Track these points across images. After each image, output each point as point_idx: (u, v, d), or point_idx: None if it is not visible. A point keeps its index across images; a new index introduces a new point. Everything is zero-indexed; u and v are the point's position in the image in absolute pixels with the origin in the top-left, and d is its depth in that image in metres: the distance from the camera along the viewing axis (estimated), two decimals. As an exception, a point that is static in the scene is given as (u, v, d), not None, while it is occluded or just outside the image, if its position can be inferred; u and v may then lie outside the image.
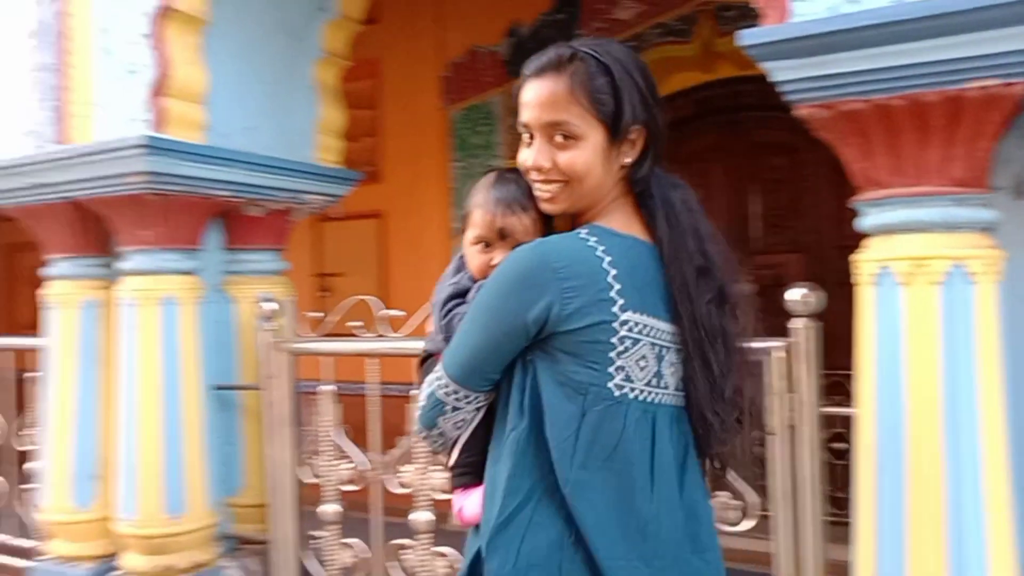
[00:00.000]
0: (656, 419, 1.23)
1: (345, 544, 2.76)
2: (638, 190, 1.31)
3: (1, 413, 3.59)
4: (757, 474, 2.08)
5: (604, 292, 1.20)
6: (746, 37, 1.72)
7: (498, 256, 1.36)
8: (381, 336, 2.67)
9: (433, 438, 1.36)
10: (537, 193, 1.33)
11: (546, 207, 1.33)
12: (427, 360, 1.46)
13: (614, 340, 1.20)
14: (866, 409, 1.72)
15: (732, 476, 2.05)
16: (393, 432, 2.67)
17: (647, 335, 1.22)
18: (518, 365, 1.27)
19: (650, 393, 1.23)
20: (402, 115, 5.70)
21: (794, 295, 1.94)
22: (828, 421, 2.14)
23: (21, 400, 3.52)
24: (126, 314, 2.79)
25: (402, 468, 2.63)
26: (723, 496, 2.08)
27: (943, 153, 1.63)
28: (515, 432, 1.25)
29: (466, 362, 1.28)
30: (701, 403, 1.26)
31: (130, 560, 2.81)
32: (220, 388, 2.99)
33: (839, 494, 2.29)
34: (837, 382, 2.74)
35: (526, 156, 1.31)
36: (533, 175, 1.31)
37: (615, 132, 1.26)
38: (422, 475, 2.56)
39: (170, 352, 2.78)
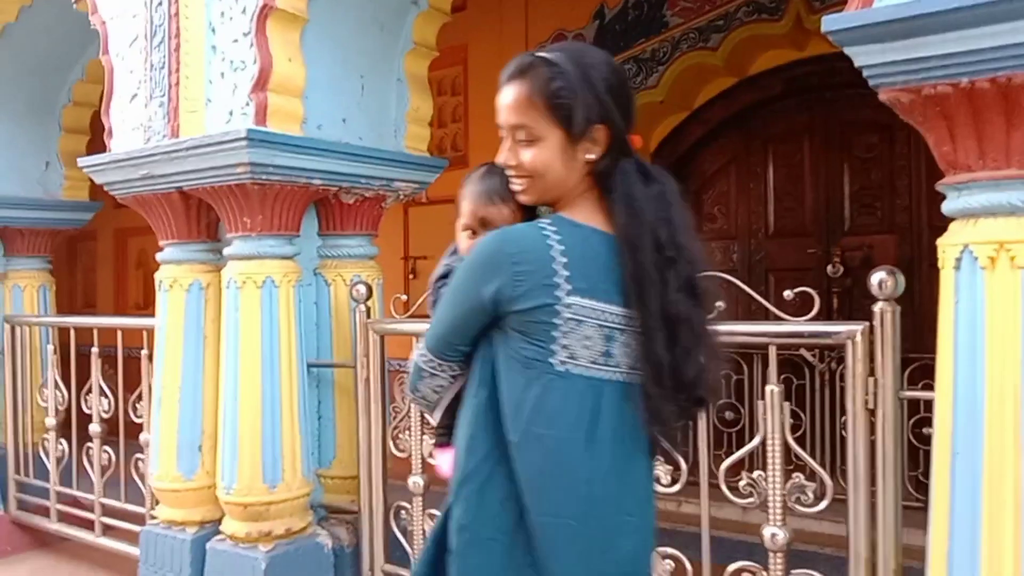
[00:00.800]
0: (603, 393, 1.37)
1: (431, 515, 2.88)
2: (603, 183, 1.42)
3: (111, 388, 3.88)
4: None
5: (550, 277, 1.34)
6: (830, 23, 1.72)
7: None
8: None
9: (417, 400, 1.58)
10: (512, 186, 1.50)
11: (521, 198, 1.50)
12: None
13: (557, 320, 1.34)
14: (944, 394, 1.71)
15: (807, 457, 2.09)
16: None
17: (593, 317, 1.36)
18: (483, 341, 1.44)
19: (597, 370, 1.37)
20: (488, 100, 5.69)
21: (874, 279, 1.94)
22: (915, 406, 2.13)
23: (128, 376, 3.79)
24: (230, 296, 2.97)
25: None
26: (798, 476, 2.11)
27: (1030, 136, 1.60)
28: (475, 399, 1.43)
29: (438, 334, 1.48)
30: (647, 382, 1.37)
31: (230, 526, 2.99)
32: (314, 366, 3.15)
33: (925, 479, 2.28)
34: (928, 365, 2.70)
35: (502, 155, 1.48)
36: (508, 171, 1.48)
37: (572, 132, 1.39)
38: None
39: (270, 332, 2.94)
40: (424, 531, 2.88)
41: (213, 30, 2.90)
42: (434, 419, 1.61)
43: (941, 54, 1.61)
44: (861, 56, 1.70)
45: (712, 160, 5.51)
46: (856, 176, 4.98)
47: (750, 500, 2.18)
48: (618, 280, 1.37)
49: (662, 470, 2.30)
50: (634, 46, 5.17)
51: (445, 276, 1.62)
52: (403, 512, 2.98)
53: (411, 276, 5.98)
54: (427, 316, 2.85)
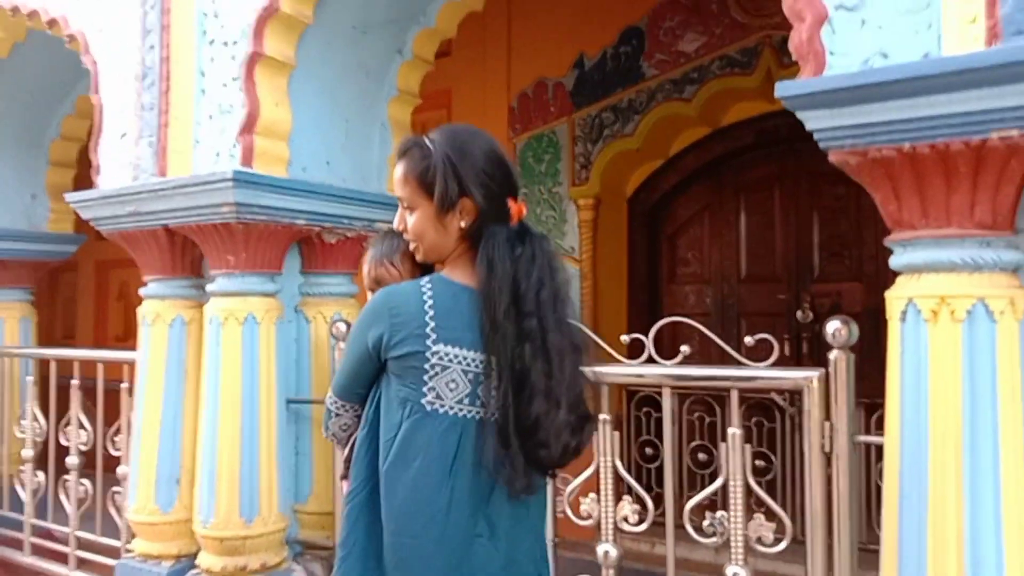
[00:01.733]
0: (464, 430, 1.55)
1: None
2: (474, 246, 1.61)
3: (90, 420, 3.90)
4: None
5: (422, 328, 1.55)
6: (783, 88, 1.85)
7: None
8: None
9: (330, 438, 1.81)
10: (410, 247, 1.73)
11: (417, 258, 1.73)
12: None
13: (427, 366, 1.54)
14: (892, 440, 1.81)
15: (768, 499, 2.17)
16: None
17: (457, 362, 1.55)
18: (375, 386, 1.65)
19: (460, 409, 1.55)
20: (470, 143, 5.91)
21: (829, 328, 2.05)
22: (879, 450, 2.22)
23: (107, 409, 3.81)
24: (212, 332, 3.03)
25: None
26: (759, 517, 2.20)
27: (968, 198, 1.72)
28: (360, 434, 1.65)
29: (340, 380, 1.71)
30: (499, 419, 1.53)
31: (206, 560, 3.02)
32: (293, 402, 3.21)
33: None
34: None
35: (395, 220, 1.72)
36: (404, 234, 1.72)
37: (439, 205, 1.60)
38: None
39: (250, 368, 3.00)
40: None
41: (203, 74, 3.01)
42: (342, 455, 1.81)
43: (885, 120, 1.74)
44: (812, 120, 1.83)
45: (686, 206, 5.66)
46: (825, 225, 5.14)
47: (714, 540, 2.25)
48: (476, 327, 1.56)
49: (629, 509, 2.38)
50: (612, 95, 5.33)
51: None
52: None
53: (391, 313, 6.06)
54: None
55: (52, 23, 3.59)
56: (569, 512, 2.50)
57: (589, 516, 2.46)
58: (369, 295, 1.82)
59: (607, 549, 2.41)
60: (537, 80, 5.64)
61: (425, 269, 1.76)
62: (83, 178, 4.65)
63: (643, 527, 2.39)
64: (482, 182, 1.60)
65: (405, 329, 1.55)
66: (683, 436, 4.83)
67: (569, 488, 2.51)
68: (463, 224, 1.61)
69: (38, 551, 4.16)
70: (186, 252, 3.21)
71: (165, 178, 3.03)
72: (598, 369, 2.67)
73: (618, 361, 2.48)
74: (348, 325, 3.09)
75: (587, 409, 1.63)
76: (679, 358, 2.32)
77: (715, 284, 5.49)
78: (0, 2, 3.85)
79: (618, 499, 2.44)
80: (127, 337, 7.81)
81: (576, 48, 5.49)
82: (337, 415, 1.73)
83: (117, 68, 3.28)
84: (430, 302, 1.57)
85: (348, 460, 1.73)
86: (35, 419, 4.14)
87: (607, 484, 2.42)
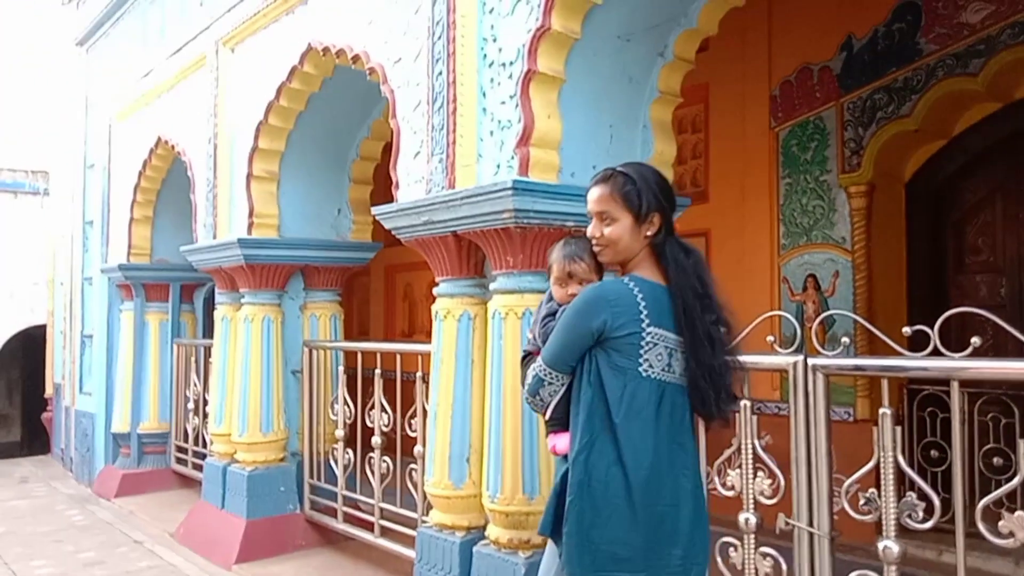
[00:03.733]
0: (664, 391, 2.07)
1: (763, 554, 2.77)
2: (658, 252, 2.16)
3: (390, 405, 4.42)
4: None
5: (637, 315, 2.06)
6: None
7: (572, 289, 2.28)
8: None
9: (535, 403, 2.26)
10: (595, 250, 2.24)
11: (601, 259, 2.25)
12: (526, 357, 2.39)
13: (642, 343, 2.05)
14: None
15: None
16: (718, 443, 2.89)
17: (662, 341, 2.07)
18: (587, 358, 2.11)
19: (663, 375, 2.08)
20: (728, 136, 5.87)
21: None
22: None
23: (405, 395, 4.30)
24: (494, 325, 3.34)
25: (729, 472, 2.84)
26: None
27: None
28: (586, 396, 2.10)
29: (555, 354, 2.16)
30: (698, 378, 2.08)
31: (494, 531, 3.33)
32: (567, 391, 3.43)
33: None
34: None
35: (590, 230, 2.22)
36: (593, 241, 2.22)
37: (638, 217, 2.14)
38: (749, 479, 2.75)
39: (528, 358, 3.27)
40: (756, 570, 2.76)
41: (484, 94, 3.32)
42: (547, 415, 2.25)
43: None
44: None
45: (974, 190, 5.19)
46: None
47: (1008, 540, 2.12)
48: (673, 316, 2.08)
49: (911, 504, 2.31)
50: (885, 75, 5.04)
51: (550, 315, 2.32)
52: (731, 549, 2.84)
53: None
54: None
55: (356, 59, 4.13)
56: (847, 507, 2.46)
57: (868, 511, 2.41)
58: (554, 288, 2.35)
59: (887, 545, 2.35)
60: (801, 66, 5.47)
61: (599, 269, 2.31)
62: (378, 193, 5.28)
63: (929, 524, 2.29)
64: (662, 203, 2.16)
65: (625, 315, 2.05)
66: (974, 438, 4.46)
67: (846, 484, 2.47)
68: (649, 233, 2.15)
69: (348, 519, 4.81)
70: (471, 255, 3.55)
71: (453, 190, 3.38)
72: (880, 362, 2.61)
73: (899, 354, 2.41)
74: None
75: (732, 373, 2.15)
76: (969, 350, 2.21)
77: (1010, 273, 4.99)
78: (313, 44, 4.49)
79: (900, 496, 2.37)
80: (411, 332, 8.67)
81: (843, 30, 5.26)
82: (549, 383, 2.19)
83: (411, 95, 3.72)
84: (640, 295, 2.07)
85: (557, 418, 2.22)
86: (345, 404, 4.77)
87: (887, 479, 2.36)
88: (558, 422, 2.22)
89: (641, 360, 2.03)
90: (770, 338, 2.91)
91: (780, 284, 5.54)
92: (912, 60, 4.92)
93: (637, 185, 2.13)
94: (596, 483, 2.03)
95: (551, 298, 2.38)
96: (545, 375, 2.17)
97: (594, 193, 2.20)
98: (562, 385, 2.17)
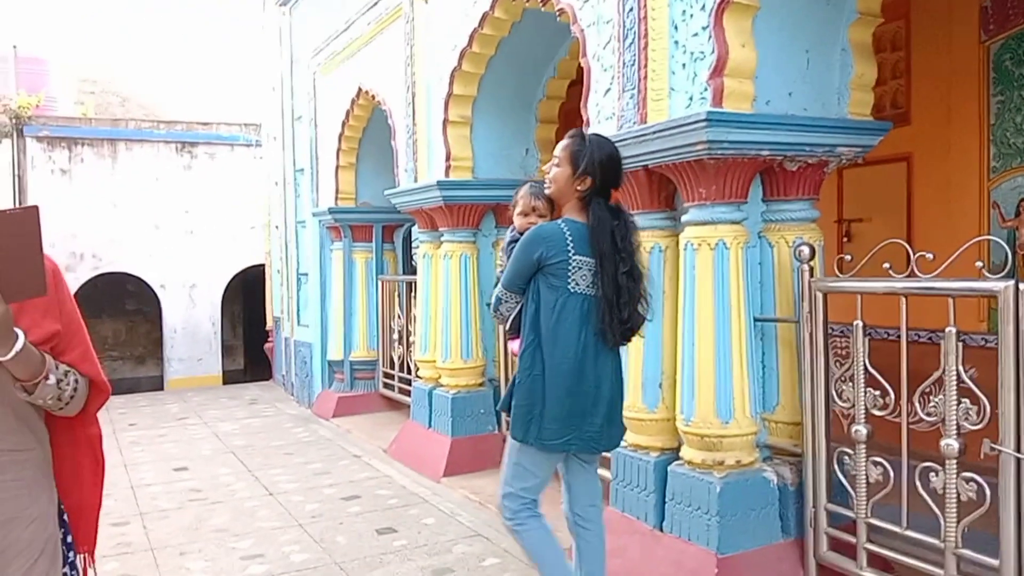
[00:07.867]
0: (588, 301, 2.73)
1: (875, 462, 3.07)
2: (585, 203, 2.78)
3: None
4: None
5: (565, 246, 2.71)
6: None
7: (532, 219, 2.99)
8: (911, 276, 2.89)
9: (498, 316, 2.95)
10: (545, 190, 2.95)
11: (546, 191, 2.94)
12: (497, 281, 2.96)
13: (569, 267, 2.71)
14: None
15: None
16: (916, 377, 2.87)
17: (585, 265, 2.72)
18: (532, 281, 2.77)
19: (588, 290, 2.73)
20: (932, 53, 5.50)
21: None
22: None
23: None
24: (687, 257, 3.44)
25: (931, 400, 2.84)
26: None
27: None
28: (531, 308, 2.78)
29: (509, 279, 2.84)
30: (606, 296, 2.71)
31: (688, 453, 3.48)
32: (760, 320, 3.50)
33: None
34: None
35: (547, 166, 2.89)
36: (546, 179, 2.91)
37: (575, 172, 2.77)
38: (953, 405, 2.74)
39: (721, 289, 3.35)
40: (867, 478, 3.08)
41: (675, 28, 3.37)
42: (507, 325, 2.93)
43: None
44: None
45: None
46: None
47: None
48: (591, 246, 2.71)
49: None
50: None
51: (512, 242, 2.93)
52: (846, 458, 3.20)
53: (844, 239, 5.97)
54: (868, 277, 3.07)
55: (545, 1, 4.26)
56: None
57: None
58: (517, 219, 3.05)
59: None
60: (1019, -27, 5.00)
61: (551, 205, 3.00)
62: (562, 131, 5.43)
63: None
64: (597, 173, 2.74)
65: (556, 248, 2.71)
66: None
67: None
68: (579, 188, 2.77)
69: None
70: (661, 188, 3.65)
71: (645, 124, 3.48)
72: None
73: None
74: (811, 248, 3.27)
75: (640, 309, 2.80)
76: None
77: None
78: (503, -11, 4.66)
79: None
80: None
81: (1070, -73, 4.75)
82: (506, 301, 2.86)
83: (601, 33, 3.81)
84: (568, 232, 2.72)
85: (515, 328, 2.86)
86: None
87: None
88: (515, 331, 2.89)
89: (569, 280, 2.71)
90: (979, 263, 2.84)
91: (990, 209, 5.19)
92: None
93: (585, 151, 2.75)
94: (536, 369, 2.72)
95: (513, 228, 3.08)
96: (503, 295, 2.87)
97: (561, 143, 2.86)
98: (517, 303, 2.84)
